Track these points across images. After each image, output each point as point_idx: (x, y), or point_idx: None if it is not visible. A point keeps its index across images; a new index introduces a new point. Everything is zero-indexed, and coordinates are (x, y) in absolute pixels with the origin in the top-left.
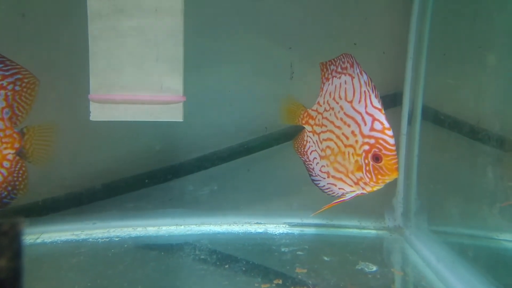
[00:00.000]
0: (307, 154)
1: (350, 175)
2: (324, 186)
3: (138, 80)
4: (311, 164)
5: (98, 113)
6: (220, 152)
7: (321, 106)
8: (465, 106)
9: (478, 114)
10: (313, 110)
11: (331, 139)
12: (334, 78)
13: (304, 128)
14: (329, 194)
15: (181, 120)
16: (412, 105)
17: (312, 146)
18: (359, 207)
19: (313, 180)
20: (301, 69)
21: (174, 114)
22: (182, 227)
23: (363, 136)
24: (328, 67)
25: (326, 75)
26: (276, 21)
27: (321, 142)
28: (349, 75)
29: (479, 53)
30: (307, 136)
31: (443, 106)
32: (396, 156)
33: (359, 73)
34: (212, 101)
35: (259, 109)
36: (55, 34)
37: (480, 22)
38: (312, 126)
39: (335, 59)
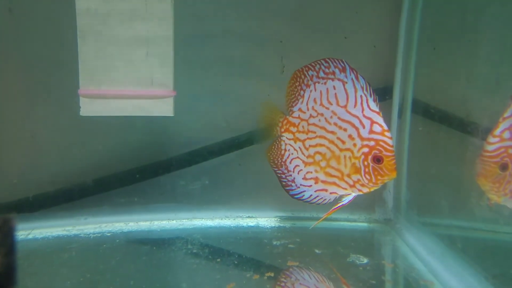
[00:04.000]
0: (285, 164)
1: (345, 178)
2: (310, 196)
3: (128, 74)
4: (290, 175)
5: (88, 108)
6: (211, 147)
7: (304, 113)
8: (455, 99)
9: (468, 108)
10: (294, 117)
11: (322, 145)
12: (317, 84)
13: (277, 137)
14: (318, 204)
15: (171, 114)
16: (402, 98)
17: (292, 154)
18: None
19: (293, 195)
20: (292, 62)
21: (164, 108)
22: (174, 221)
23: (362, 139)
24: (306, 73)
25: (305, 82)
26: (267, 14)
27: (306, 149)
28: (339, 80)
29: (469, 46)
30: (286, 144)
31: (433, 99)
32: (394, 157)
33: (354, 78)
34: (203, 95)
35: (250, 103)
36: (43, 29)
37: (470, 16)
38: (294, 133)
39: (313, 64)
